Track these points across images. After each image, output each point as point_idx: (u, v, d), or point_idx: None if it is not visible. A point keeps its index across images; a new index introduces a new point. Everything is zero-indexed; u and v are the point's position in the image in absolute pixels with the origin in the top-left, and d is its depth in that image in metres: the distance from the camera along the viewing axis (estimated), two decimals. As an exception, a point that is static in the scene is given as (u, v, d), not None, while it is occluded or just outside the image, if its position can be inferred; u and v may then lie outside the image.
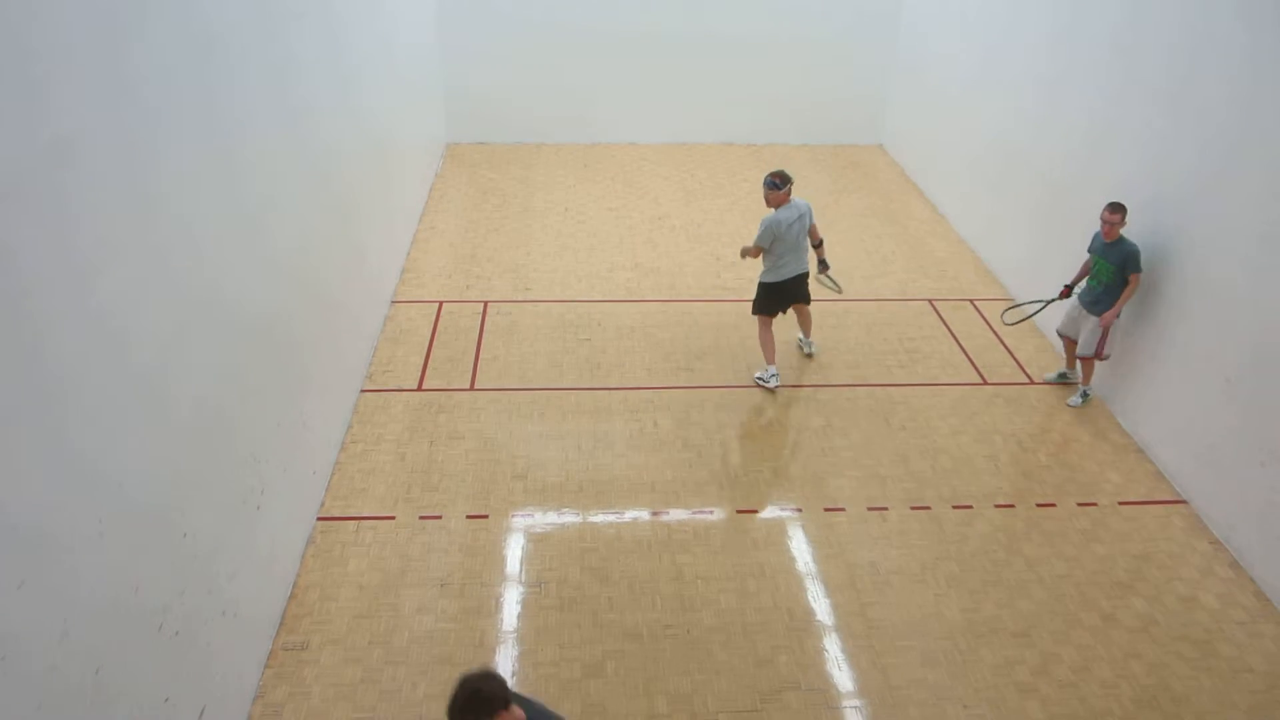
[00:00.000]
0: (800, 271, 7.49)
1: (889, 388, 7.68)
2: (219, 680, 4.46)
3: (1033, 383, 7.81)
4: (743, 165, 12.26)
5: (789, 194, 7.22)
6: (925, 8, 11.59)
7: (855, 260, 9.80)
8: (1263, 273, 5.83)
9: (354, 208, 7.42)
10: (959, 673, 5.20)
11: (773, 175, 7.21)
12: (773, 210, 7.23)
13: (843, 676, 5.16)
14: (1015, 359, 8.12)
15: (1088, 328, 7.11)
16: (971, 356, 8.16)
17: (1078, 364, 7.56)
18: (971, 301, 9.06)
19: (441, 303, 8.72)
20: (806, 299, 7.78)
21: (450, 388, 7.49)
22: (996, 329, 8.57)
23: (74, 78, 3.33)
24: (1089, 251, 7.06)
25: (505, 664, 5.15)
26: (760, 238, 7.26)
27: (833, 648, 5.33)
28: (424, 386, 7.49)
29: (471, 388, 7.49)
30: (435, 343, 8.09)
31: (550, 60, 12.18)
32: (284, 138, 5.71)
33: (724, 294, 9.01)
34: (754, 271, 9.42)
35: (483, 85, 12.28)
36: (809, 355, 8.06)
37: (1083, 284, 7.20)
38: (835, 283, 7.95)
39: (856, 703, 5.02)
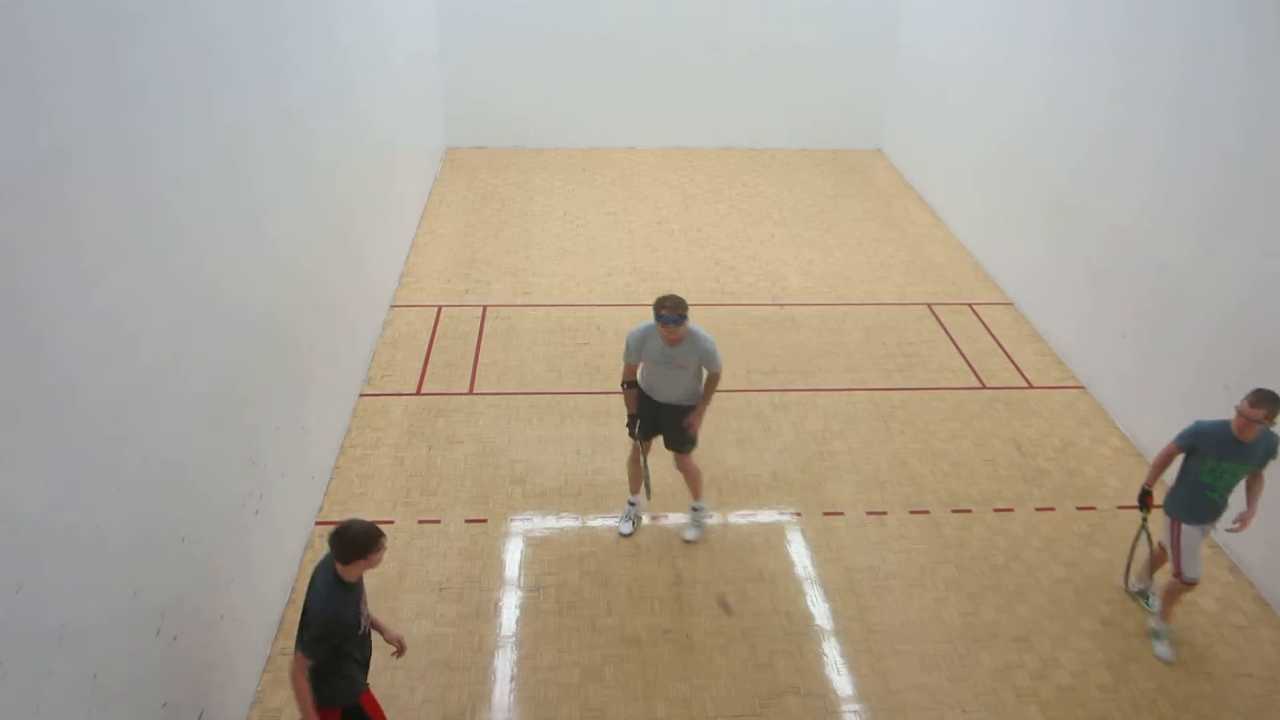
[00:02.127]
0: (670, 401, 5.64)
1: (888, 391, 7.68)
2: (217, 685, 4.46)
3: (1031, 386, 7.82)
4: (742, 170, 12.28)
5: (669, 327, 5.25)
6: (925, 13, 11.62)
7: (854, 264, 9.81)
8: (1262, 279, 5.84)
9: (353, 212, 7.42)
10: (958, 677, 5.20)
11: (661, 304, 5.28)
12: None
13: (841, 681, 5.16)
14: (1014, 363, 8.13)
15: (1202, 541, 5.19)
16: (970, 360, 8.17)
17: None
18: (970, 306, 9.07)
19: (440, 307, 8.72)
20: (678, 445, 5.84)
21: (449, 392, 7.49)
22: (995, 332, 8.58)
23: (73, 83, 3.34)
24: (1186, 448, 5.05)
25: (504, 668, 5.14)
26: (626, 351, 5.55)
27: (831, 652, 5.33)
28: (423, 390, 7.49)
29: (470, 392, 7.49)
30: (434, 347, 8.09)
31: (550, 65, 12.20)
32: (282, 141, 5.72)
33: (723, 298, 9.02)
34: (755, 276, 9.48)
35: (482, 89, 12.30)
36: (691, 539, 6.10)
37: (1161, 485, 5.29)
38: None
39: (855, 707, 5.01)
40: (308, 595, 3.84)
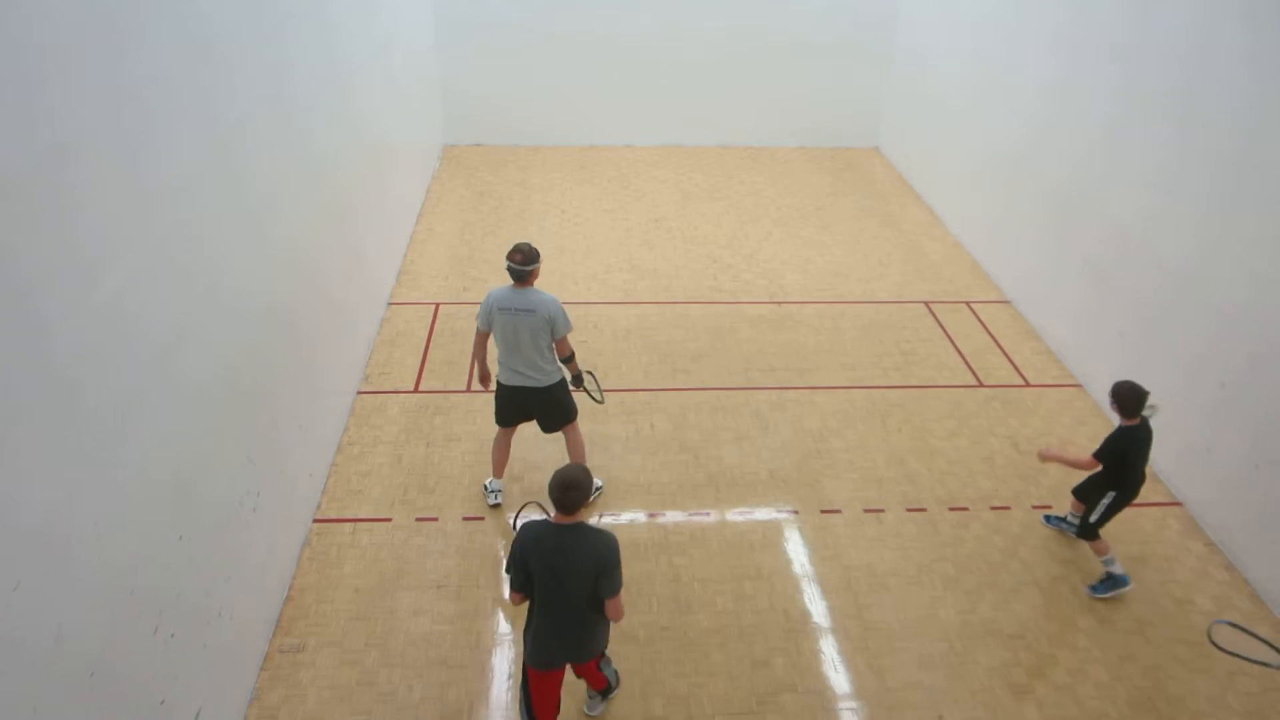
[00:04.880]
0: (523, 384, 5.68)
1: (885, 389, 7.69)
2: (215, 683, 4.46)
3: (1029, 385, 7.83)
4: (740, 168, 12.28)
5: (521, 276, 5.42)
6: (923, 11, 11.62)
7: (852, 262, 9.82)
8: (1258, 278, 5.85)
9: (351, 209, 7.42)
10: (955, 675, 5.21)
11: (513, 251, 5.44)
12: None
13: (839, 678, 5.17)
14: (1011, 361, 8.14)
15: None
16: (968, 359, 8.18)
17: None
18: (968, 304, 9.07)
19: (438, 304, 8.72)
20: (545, 425, 6.00)
21: (447, 389, 7.48)
22: (993, 331, 8.59)
23: (74, 80, 3.34)
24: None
25: (502, 666, 5.15)
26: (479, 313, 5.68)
27: (829, 650, 5.34)
28: (420, 388, 7.49)
29: (468, 389, 7.49)
30: (432, 344, 8.09)
31: (547, 62, 12.19)
32: (281, 139, 5.71)
33: (720, 296, 9.02)
34: (753, 274, 9.48)
35: (480, 87, 12.29)
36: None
37: None
38: (594, 392, 6.17)
39: (853, 705, 5.02)
40: (581, 556, 3.96)
